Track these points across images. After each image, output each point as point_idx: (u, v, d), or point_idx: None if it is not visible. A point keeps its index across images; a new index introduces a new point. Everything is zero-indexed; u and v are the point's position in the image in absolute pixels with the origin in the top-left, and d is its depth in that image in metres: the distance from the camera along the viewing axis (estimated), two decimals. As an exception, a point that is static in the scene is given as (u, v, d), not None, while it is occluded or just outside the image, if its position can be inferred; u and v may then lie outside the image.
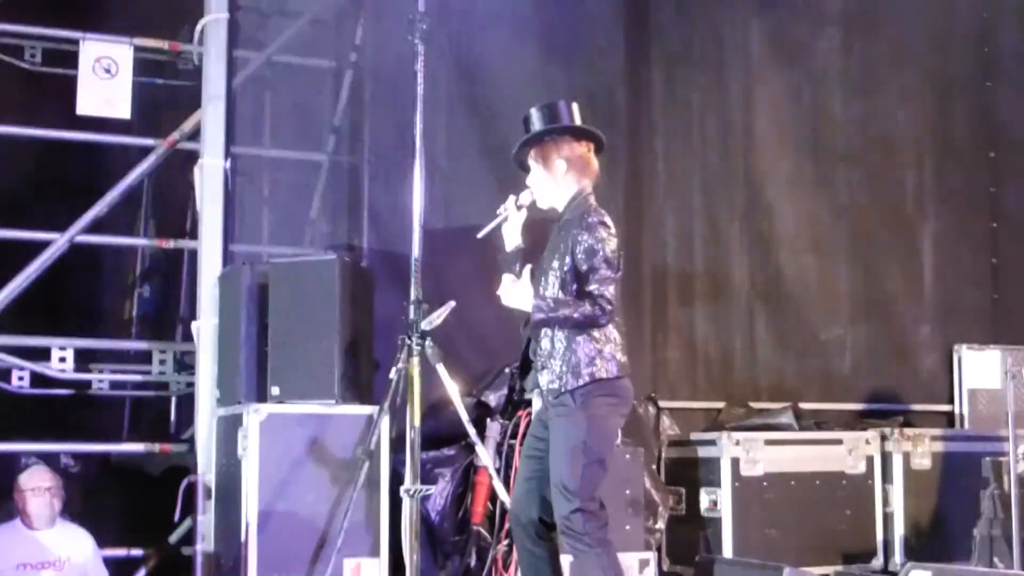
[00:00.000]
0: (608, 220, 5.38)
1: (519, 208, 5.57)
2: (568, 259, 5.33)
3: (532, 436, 5.56)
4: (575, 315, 5.21)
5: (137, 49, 7.36)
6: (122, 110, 7.26)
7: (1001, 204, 10.08)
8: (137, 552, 7.11)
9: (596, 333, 5.29)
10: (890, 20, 9.66)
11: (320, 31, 7.83)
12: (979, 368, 9.40)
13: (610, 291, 5.26)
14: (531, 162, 5.57)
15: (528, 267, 5.46)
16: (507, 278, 5.38)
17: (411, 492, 5.84)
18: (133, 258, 7.83)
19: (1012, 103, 10.10)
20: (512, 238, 5.59)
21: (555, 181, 5.51)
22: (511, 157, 5.69)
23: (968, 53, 10.04)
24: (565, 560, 5.41)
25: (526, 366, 5.55)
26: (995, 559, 7.05)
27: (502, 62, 8.23)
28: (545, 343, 5.34)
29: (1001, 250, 10.03)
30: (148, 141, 7.39)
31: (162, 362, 7.41)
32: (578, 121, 5.58)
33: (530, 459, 5.49)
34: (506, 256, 5.60)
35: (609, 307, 5.24)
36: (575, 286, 5.32)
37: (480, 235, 5.65)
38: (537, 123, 5.56)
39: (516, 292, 5.33)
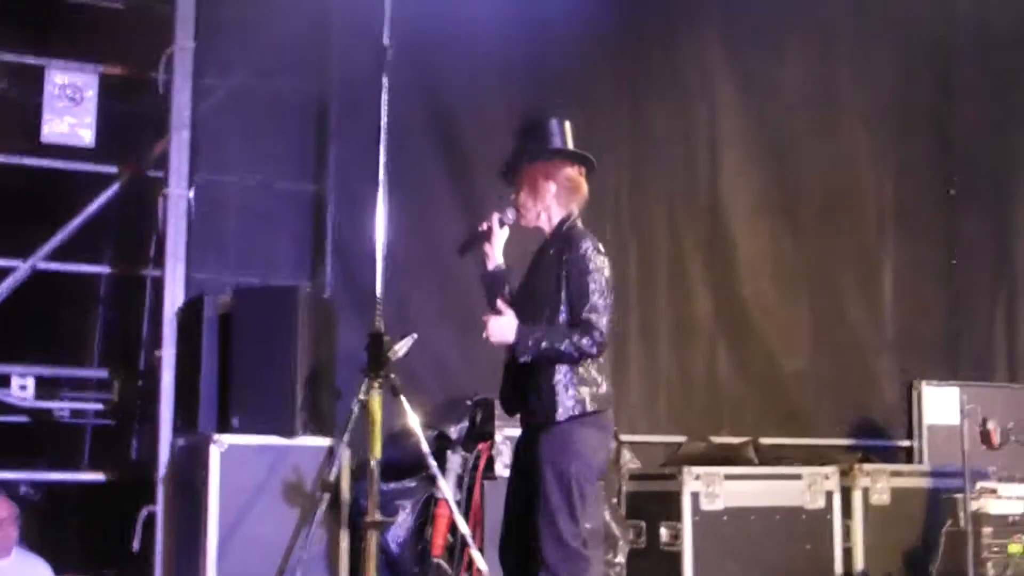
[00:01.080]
0: (602, 247, 5.33)
1: (502, 226, 5.52)
2: (562, 286, 5.24)
3: (514, 471, 5.48)
4: (567, 349, 5.12)
5: (103, 76, 7.35)
6: (87, 137, 7.24)
7: (961, 239, 10.17)
8: (95, 582, 7.08)
9: (584, 362, 5.21)
10: (853, 53, 9.75)
11: (287, 60, 7.81)
12: (938, 404, 9.46)
13: (604, 322, 5.17)
14: (521, 180, 5.50)
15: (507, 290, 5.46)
16: (493, 317, 5.25)
17: (372, 524, 5.83)
18: (96, 285, 7.79)
19: (973, 138, 10.22)
20: (493, 256, 5.54)
21: (545, 203, 5.45)
22: (499, 170, 5.61)
23: (930, 87, 10.14)
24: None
25: (507, 395, 5.48)
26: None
27: (469, 90, 8.26)
28: (530, 372, 5.24)
29: (960, 285, 10.12)
30: (112, 168, 7.38)
31: (123, 390, 7.38)
32: (571, 143, 5.51)
33: (516, 498, 5.38)
34: (487, 275, 5.55)
35: (602, 340, 5.15)
36: (567, 315, 5.22)
37: (460, 250, 5.62)
38: (530, 141, 5.50)
39: (503, 328, 5.20)
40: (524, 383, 5.31)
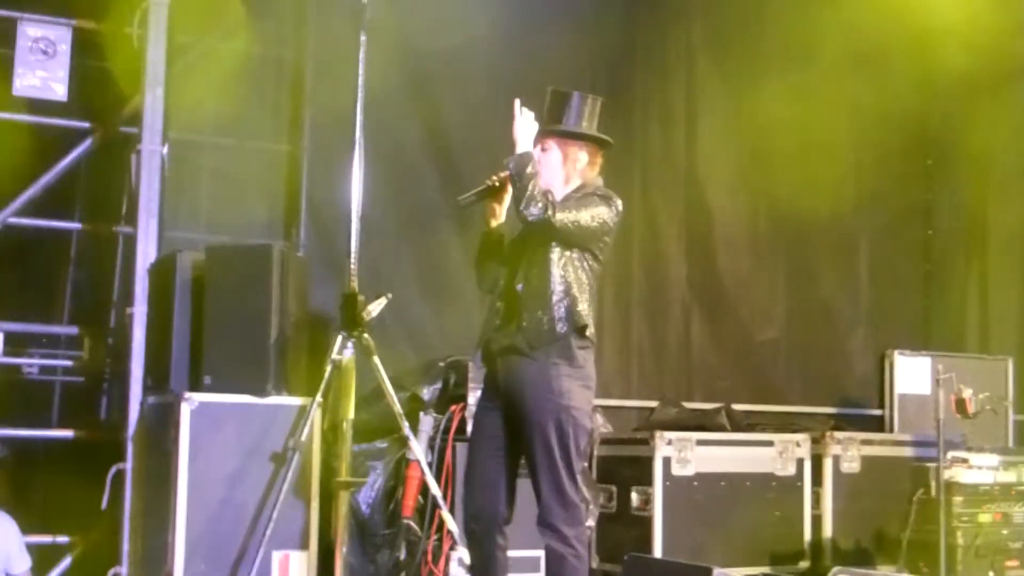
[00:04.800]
0: (618, 202, 5.42)
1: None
2: None
3: (491, 422, 5.42)
4: (536, 194, 5.11)
5: (76, 30, 7.27)
6: (59, 91, 7.17)
7: (936, 211, 10.20)
8: (63, 539, 7.03)
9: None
10: (831, 28, 9.70)
11: (262, 17, 7.75)
12: (910, 374, 9.51)
13: (568, 219, 5.18)
14: (551, 143, 5.45)
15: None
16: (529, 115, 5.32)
17: (342, 484, 5.81)
18: (67, 241, 7.73)
19: (949, 112, 10.21)
20: (499, 214, 5.49)
21: (569, 170, 5.46)
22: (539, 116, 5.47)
23: (907, 62, 10.11)
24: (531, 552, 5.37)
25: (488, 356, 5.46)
26: (920, 564, 7.14)
27: (448, 54, 8.19)
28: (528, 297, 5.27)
29: (935, 257, 10.16)
30: (85, 124, 7.32)
31: (93, 348, 7.34)
32: (597, 118, 5.53)
33: (494, 450, 5.38)
34: (491, 232, 5.51)
35: (553, 216, 5.12)
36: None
37: (461, 200, 5.48)
38: (573, 112, 5.47)
39: (526, 129, 5.29)
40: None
